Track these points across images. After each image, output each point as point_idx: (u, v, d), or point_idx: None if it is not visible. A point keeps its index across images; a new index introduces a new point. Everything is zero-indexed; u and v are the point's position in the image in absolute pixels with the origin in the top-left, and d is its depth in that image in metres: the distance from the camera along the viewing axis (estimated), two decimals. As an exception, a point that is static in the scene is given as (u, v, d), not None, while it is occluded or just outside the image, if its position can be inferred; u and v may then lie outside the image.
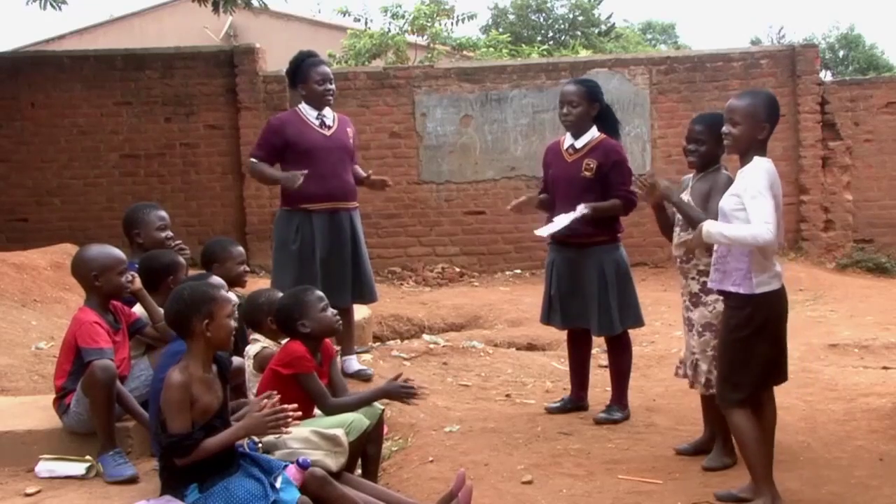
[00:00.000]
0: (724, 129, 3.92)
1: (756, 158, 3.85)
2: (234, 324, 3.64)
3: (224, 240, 5.31)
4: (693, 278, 4.53)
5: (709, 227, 3.86)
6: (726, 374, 3.90)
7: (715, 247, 3.97)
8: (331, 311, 4.15)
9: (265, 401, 3.53)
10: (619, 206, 5.23)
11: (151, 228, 5.08)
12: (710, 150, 4.50)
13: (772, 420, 4.01)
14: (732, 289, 3.85)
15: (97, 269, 4.39)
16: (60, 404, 4.37)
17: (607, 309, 5.21)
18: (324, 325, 4.10)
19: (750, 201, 3.76)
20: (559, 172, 5.32)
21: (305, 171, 5.52)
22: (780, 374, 4.01)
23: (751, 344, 3.83)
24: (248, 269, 5.19)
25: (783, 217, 3.91)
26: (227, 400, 3.66)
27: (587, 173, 5.20)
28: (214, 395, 3.54)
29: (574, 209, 5.13)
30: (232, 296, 3.86)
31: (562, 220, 5.15)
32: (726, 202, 3.89)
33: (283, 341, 4.25)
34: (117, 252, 4.50)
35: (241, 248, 5.13)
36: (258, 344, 4.51)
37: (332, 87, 5.75)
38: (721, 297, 4.07)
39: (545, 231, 5.24)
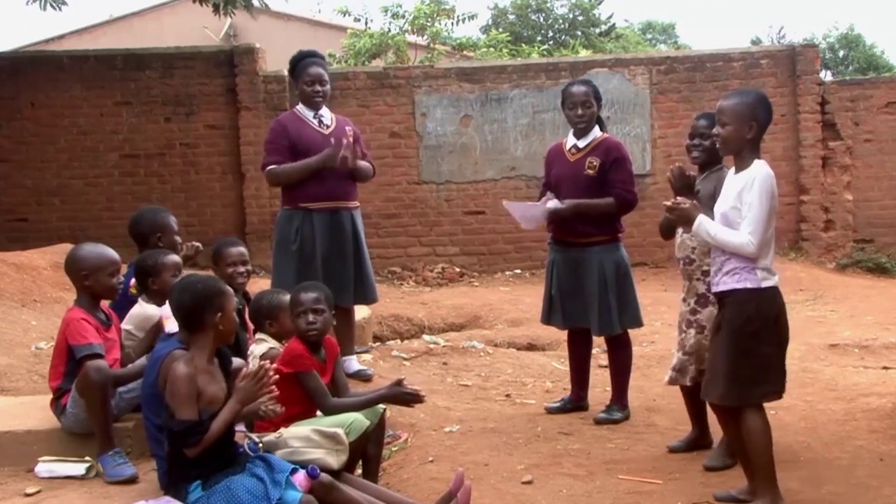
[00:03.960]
0: (714, 130, 3.90)
1: (755, 162, 3.81)
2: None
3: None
4: (698, 279, 4.50)
5: (701, 221, 3.80)
6: (737, 371, 3.78)
7: (713, 251, 3.90)
8: (307, 320, 4.07)
9: (244, 370, 3.58)
10: (612, 204, 5.20)
11: (172, 233, 5.05)
12: (714, 147, 4.49)
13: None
14: (738, 286, 3.78)
15: (87, 269, 4.38)
16: (57, 405, 4.37)
17: (608, 309, 5.21)
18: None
19: (746, 209, 3.73)
20: (562, 172, 5.31)
21: (343, 141, 5.48)
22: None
23: (764, 338, 3.77)
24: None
25: (781, 218, 3.86)
26: (231, 392, 3.63)
27: (590, 171, 5.20)
28: (219, 385, 3.55)
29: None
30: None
31: (532, 212, 5.29)
32: (729, 211, 3.80)
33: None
34: (110, 253, 4.45)
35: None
36: (265, 344, 4.50)
37: (322, 88, 5.67)
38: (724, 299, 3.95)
39: (525, 219, 5.36)
